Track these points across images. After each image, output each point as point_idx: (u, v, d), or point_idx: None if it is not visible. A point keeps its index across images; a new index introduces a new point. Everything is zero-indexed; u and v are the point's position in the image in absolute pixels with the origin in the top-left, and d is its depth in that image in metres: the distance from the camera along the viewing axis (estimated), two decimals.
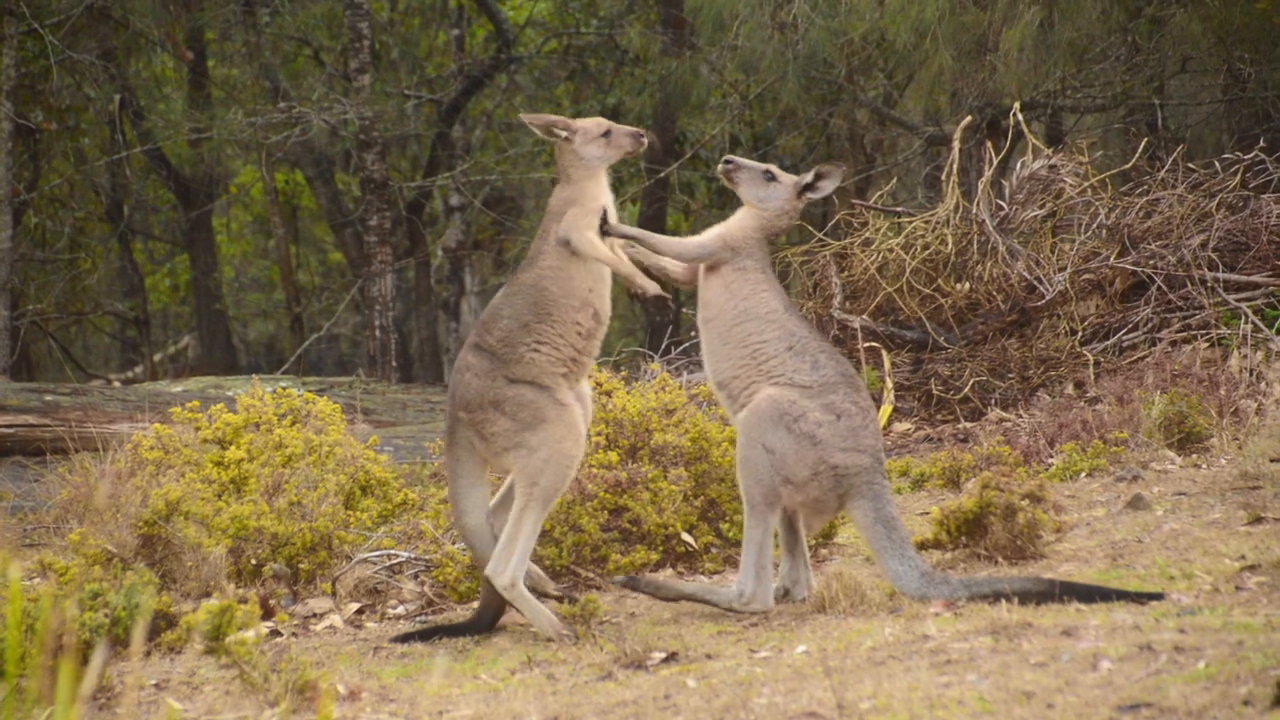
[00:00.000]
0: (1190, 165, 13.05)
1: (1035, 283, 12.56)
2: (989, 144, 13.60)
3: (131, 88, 22.74)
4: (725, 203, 23.19)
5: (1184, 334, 11.92)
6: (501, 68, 23.94)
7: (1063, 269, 12.51)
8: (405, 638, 6.67)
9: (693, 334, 12.08)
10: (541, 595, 6.62)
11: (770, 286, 6.69)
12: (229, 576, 7.53)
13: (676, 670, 5.63)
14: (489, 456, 6.56)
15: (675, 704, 5.12)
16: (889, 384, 12.28)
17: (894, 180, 15.97)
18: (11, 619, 3.96)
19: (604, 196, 6.79)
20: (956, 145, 13.19)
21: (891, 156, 21.54)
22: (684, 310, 23.05)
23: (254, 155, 23.18)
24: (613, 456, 7.68)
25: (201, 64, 23.69)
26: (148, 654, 6.64)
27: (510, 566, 6.42)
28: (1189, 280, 12.29)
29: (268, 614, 7.08)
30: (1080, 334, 12.39)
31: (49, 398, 13.22)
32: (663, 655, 5.82)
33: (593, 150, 6.79)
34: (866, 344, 12.67)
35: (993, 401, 12.15)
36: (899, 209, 13.91)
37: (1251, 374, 10.35)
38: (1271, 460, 8.39)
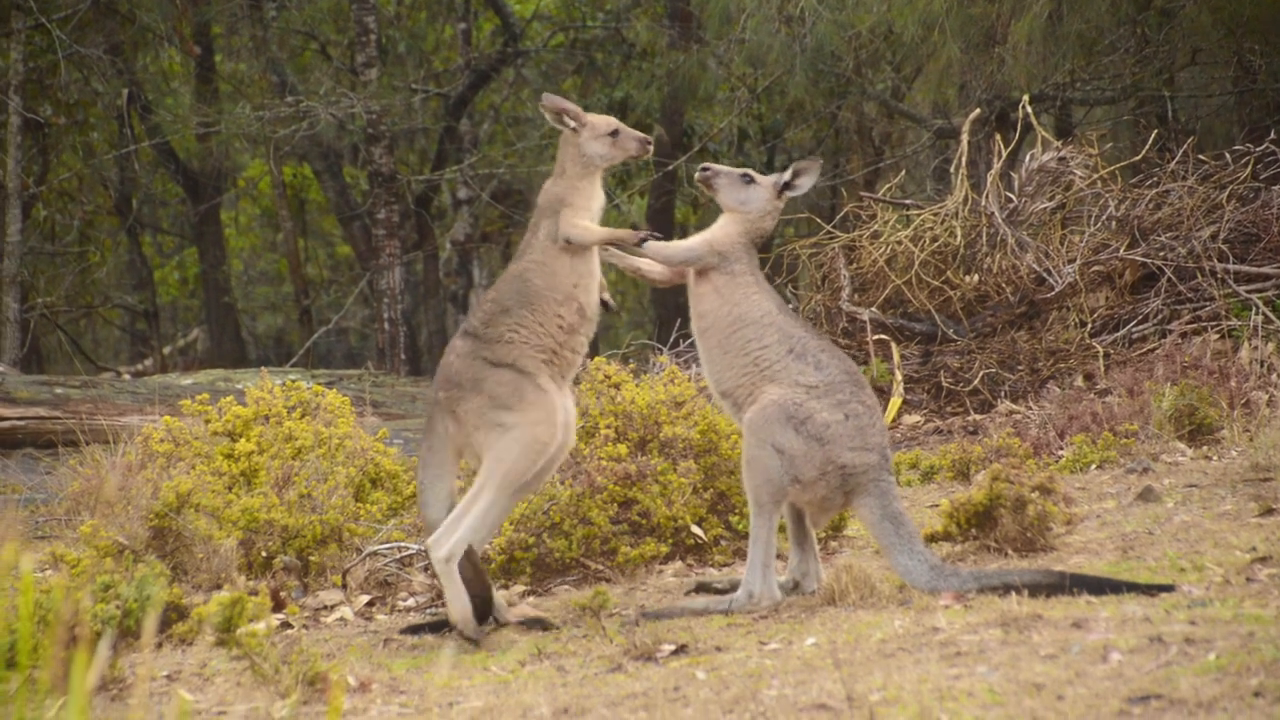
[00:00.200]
0: (1200, 157, 13.02)
1: (1045, 275, 12.54)
2: (998, 136, 13.58)
3: (139, 82, 22.75)
4: None
5: (1194, 326, 11.90)
6: (508, 61, 23.93)
7: (1072, 261, 12.49)
8: (415, 629, 6.67)
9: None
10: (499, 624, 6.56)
11: (762, 290, 6.67)
12: (240, 569, 7.55)
13: (686, 662, 5.63)
14: (461, 440, 6.49)
15: (685, 696, 5.12)
16: (898, 376, 12.27)
17: (902, 173, 15.97)
18: (23, 610, 3.97)
19: (597, 199, 6.76)
20: (965, 138, 13.18)
21: (900, 149, 21.53)
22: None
23: (262, 149, 23.16)
24: (622, 449, 7.67)
25: (209, 58, 23.70)
26: (159, 645, 6.66)
27: (452, 540, 6.34)
28: (1199, 272, 12.27)
29: (278, 606, 7.09)
30: (1090, 326, 12.37)
31: (59, 390, 13.24)
32: (672, 647, 5.82)
33: (597, 148, 6.75)
34: (875, 336, 12.66)
35: (1002, 394, 12.14)
36: (908, 201, 13.90)
37: (1262, 365, 10.34)
38: None
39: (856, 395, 6.47)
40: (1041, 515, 6.86)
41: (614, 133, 6.75)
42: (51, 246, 22.75)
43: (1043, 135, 13.09)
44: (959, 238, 12.83)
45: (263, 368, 11.54)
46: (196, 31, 22.80)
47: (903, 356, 12.67)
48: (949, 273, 12.87)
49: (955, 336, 12.71)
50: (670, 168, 20.81)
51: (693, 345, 13.83)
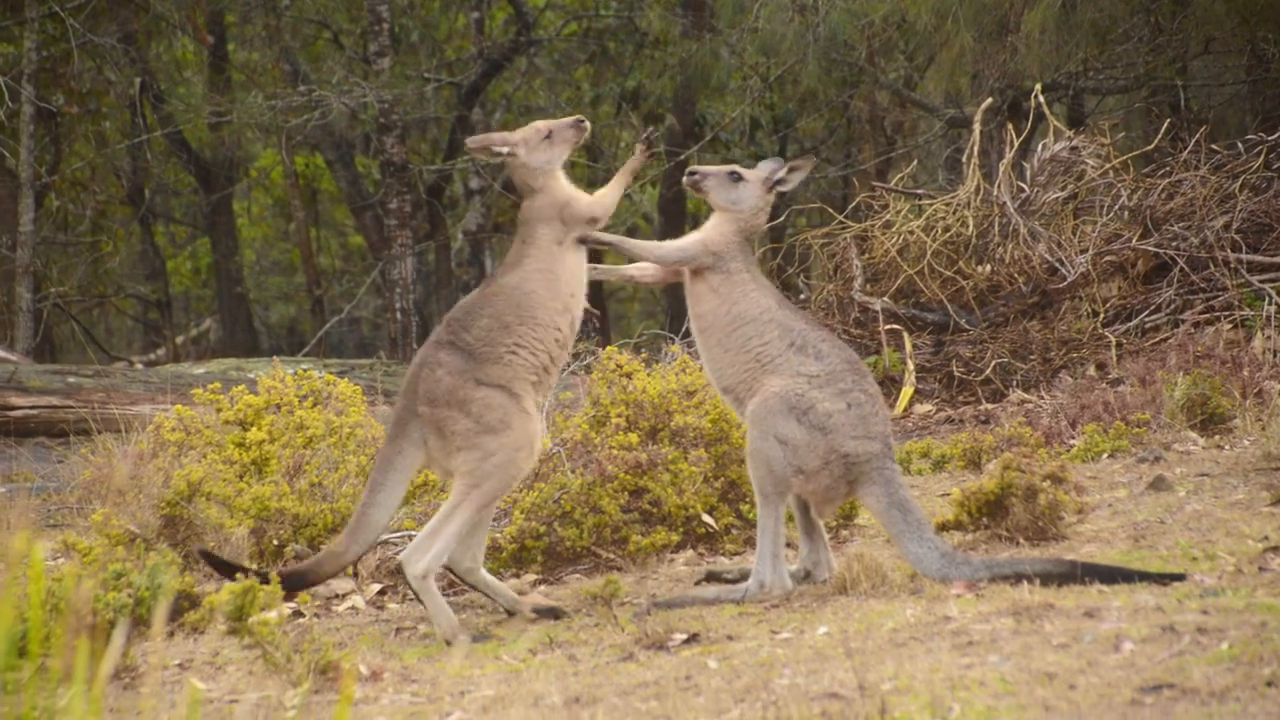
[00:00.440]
0: (1213, 146, 12.98)
1: (1057, 265, 12.52)
2: (1010, 126, 13.54)
3: (152, 71, 22.78)
4: None
5: (1207, 315, 11.88)
6: (521, 51, 23.91)
7: (1084, 251, 12.47)
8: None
9: None
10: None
11: (759, 286, 6.67)
12: (251, 557, 7.56)
13: (698, 651, 5.63)
14: (439, 456, 6.44)
15: (697, 685, 5.13)
16: (910, 366, 12.26)
17: (915, 163, 15.94)
18: (34, 599, 3.98)
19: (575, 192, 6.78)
20: (977, 127, 13.15)
21: (912, 139, 21.49)
22: None
23: (274, 139, 23.19)
24: (633, 438, 7.68)
25: (221, 47, 23.72)
26: (171, 634, 6.67)
27: (427, 558, 6.32)
28: (1212, 262, 12.24)
29: (290, 595, 7.10)
30: (1102, 316, 12.35)
31: (72, 379, 13.27)
32: (684, 636, 5.82)
33: (541, 155, 6.73)
34: (888, 326, 12.65)
35: (1014, 383, 12.13)
36: (920, 191, 13.88)
37: (1275, 355, 10.31)
38: None
39: (858, 384, 6.46)
40: (1053, 504, 6.85)
41: (548, 135, 6.74)
42: (64, 236, 22.80)
43: (1055, 125, 13.06)
44: (971, 227, 12.81)
45: (275, 357, 11.55)
46: (210, 20, 22.83)
47: (915, 346, 12.66)
48: (961, 262, 12.86)
49: (967, 326, 12.70)
50: (683, 157, 20.79)
51: None
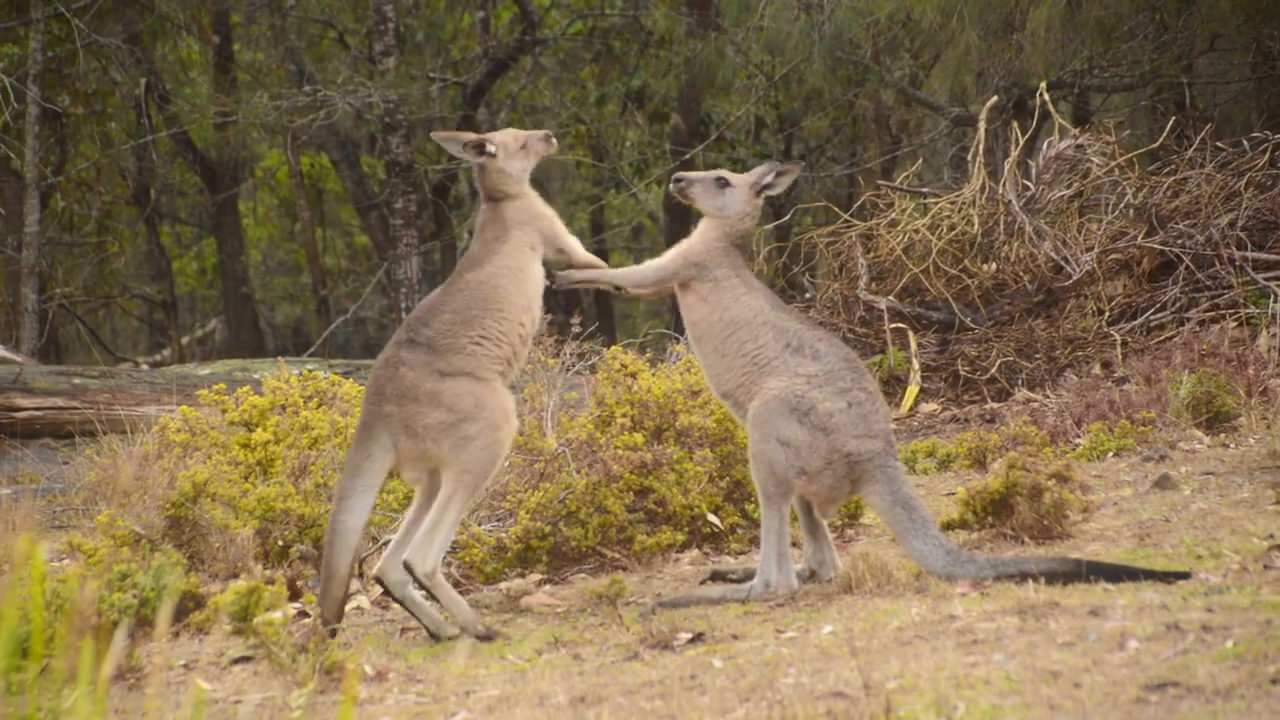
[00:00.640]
0: (1218, 144, 12.97)
1: (1062, 263, 12.51)
2: (1015, 124, 13.55)
3: (157, 71, 22.81)
4: None
5: (1212, 313, 11.87)
6: (526, 50, 23.93)
7: (1090, 249, 12.46)
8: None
9: None
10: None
11: (749, 289, 6.67)
12: (256, 558, 7.57)
13: (703, 651, 5.63)
14: (415, 453, 6.39)
15: (702, 684, 5.12)
16: (915, 365, 12.26)
17: (920, 161, 15.93)
18: (36, 599, 3.98)
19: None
20: (982, 125, 13.15)
21: (917, 137, 21.49)
22: None
23: (279, 139, 23.21)
24: (638, 438, 7.67)
25: (227, 48, 23.75)
26: (176, 635, 6.68)
27: (432, 554, 6.31)
28: (1217, 259, 12.23)
29: (295, 595, 7.10)
30: (1108, 314, 12.34)
31: (77, 380, 13.28)
32: (689, 636, 5.82)
33: (517, 164, 6.79)
34: (893, 325, 12.65)
35: (1019, 382, 12.12)
36: (925, 190, 13.88)
37: None
38: None
39: (857, 382, 6.46)
40: (1058, 503, 6.84)
41: (523, 145, 6.79)
42: (69, 237, 22.82)
43: (1060, 123, 13.05)
44: (976, 226, 12.81)
45: (280, 358, 11.56)
46: (215, 20, 22.85)
47: (920, 345, 12.65)
48: (966, 261, 12.85)
49: (973, 325, 12.69)
50: (688, 156, 20.80)
51: None
